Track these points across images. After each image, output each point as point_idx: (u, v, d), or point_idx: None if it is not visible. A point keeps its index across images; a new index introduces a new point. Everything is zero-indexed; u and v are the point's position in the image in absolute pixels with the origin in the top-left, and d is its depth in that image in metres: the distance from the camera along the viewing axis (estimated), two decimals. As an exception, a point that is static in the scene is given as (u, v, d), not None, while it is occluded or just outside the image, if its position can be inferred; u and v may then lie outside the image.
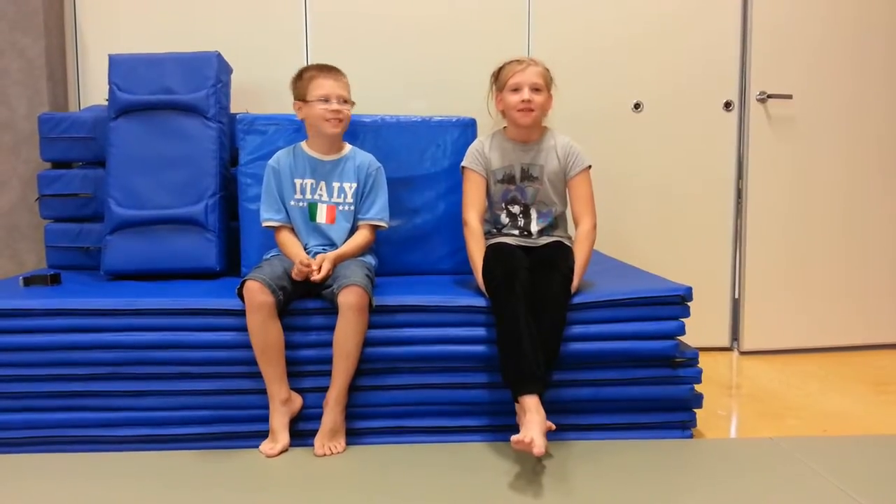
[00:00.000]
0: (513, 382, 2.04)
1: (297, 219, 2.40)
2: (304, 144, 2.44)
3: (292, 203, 2.39)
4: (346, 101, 2.37)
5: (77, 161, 2.87)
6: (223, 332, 2.18)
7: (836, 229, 3.30)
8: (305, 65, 2.47)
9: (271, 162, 2.42)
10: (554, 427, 2.01)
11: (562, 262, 2.20)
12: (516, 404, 2.04)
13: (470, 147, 2.45)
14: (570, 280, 2.18)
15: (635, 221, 3.27)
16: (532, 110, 2.31)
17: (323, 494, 1.89)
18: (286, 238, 2.37)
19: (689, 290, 2.24)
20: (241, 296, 2.12)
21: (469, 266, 2.34)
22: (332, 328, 2.12)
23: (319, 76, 2.36)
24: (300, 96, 2.38)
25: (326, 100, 2.33)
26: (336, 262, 2.25)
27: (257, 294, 2.08)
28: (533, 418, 1.94)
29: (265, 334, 2.10)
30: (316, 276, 2.17)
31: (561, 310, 2.13)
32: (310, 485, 1.95)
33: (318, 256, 2.23)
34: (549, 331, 2.10)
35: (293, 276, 2.18)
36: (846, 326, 3.34)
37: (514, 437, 1.89)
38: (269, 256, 2.36)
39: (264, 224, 2.40)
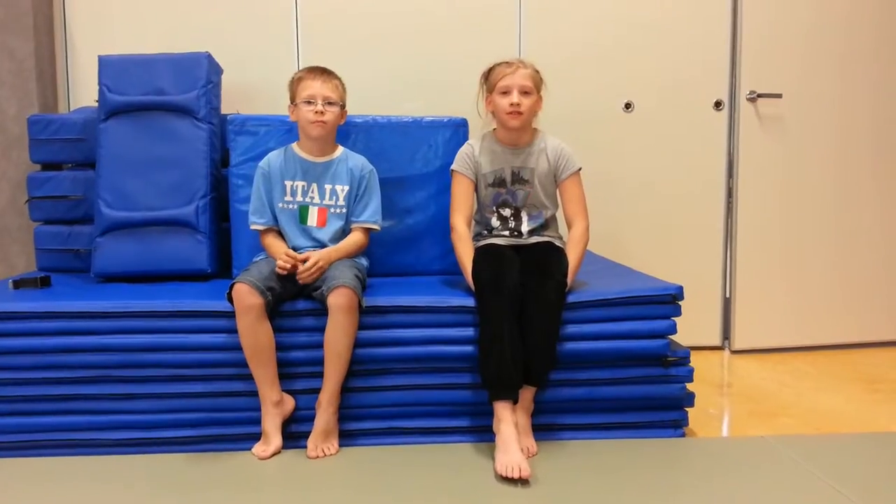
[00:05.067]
0: (489, 387, 2.06)
1: (286, 221, 2.39)
2: (295, 146, 2.43)
3: (281, 205, 2.38)
4: (332, 104, 2.35)
5: (67, 163, 2.85)
6: (215, 334, 2.17)
7: (826, 227, 3.31)
8: (300, 67, 2.46)
9: (262, 164, 2.41)
10: (535, 451, 2.08)
11: (555, 268, 2.19)
12: (493, 406, 2.07)
13: (460, 150, 2.44)
14: (565, 285, 2.18)
15: (626, 221, 3.27)
16: (521, 113, 2.30)
17: (316, 496, 1.89)
18: (271, 240, 2.37)
19: (681, 289, 2.24)
20: (230, 299, 2.12)
21: (459, 267, 2.34)
22: (322, 329, 2.12)
23: (307, 77, 2.35)
24: (292, 99, 2.38)
25: (311, 101, 2.32)
26: (330, 261, 2.25)
27: (246, 296, 2.07)
28: (508, 432, 1.98)
29: (255, 336, 2.09)
30: (305, 276, 2.17)
31: (555, 317, 2.14)
32: (303, 486, 1.94)
33: (311, 253, 2.23)
34: (544, 338, 2.11)
35: (277, 269, 2.18)
36: (838, 324, 3.35)
37: (496, 469, 1.93)
38: (258, 259, 2.35)
39: (251, 227, 2.40)
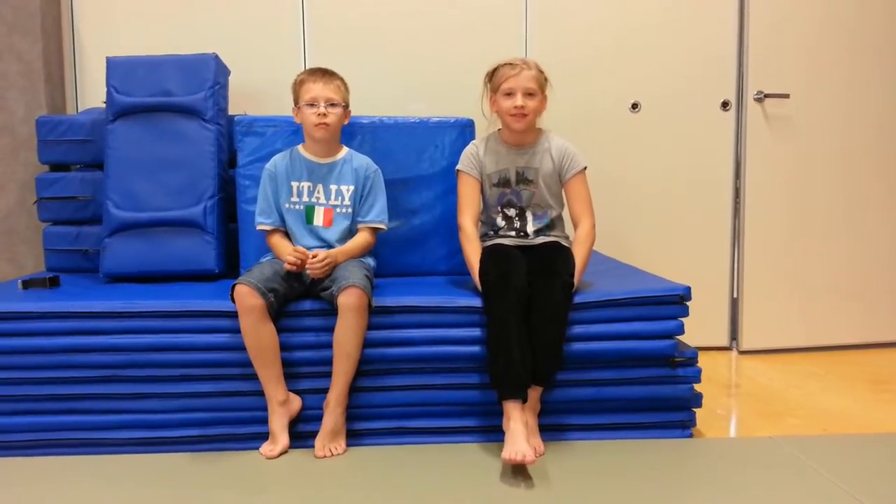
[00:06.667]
0: (498, 386, 2.07)
1: (293, 222, 2.39)
2: (300, 148, 2.44)
3: (288, 206, 2.39)
4: (334, 105, 2.35)
5: (75, 164, 2.87)
6: (223, 333, 2.18)
7: (833, 228, 3.30)
8: (304, 69, 2.47)
9: (268, 166, 2.43)
10: (542, 451, 2.09)
11: (562, 268, 2.19)
12: (502, 405, 2.07)
13: (464, 150, 2.44)
14: (571, 285, 2.17)
15: (634, 221, 3.27)
16: (525, 115, 2.31)
17: (323, 496, 1.89)
18: (276, 240, 2.37)
19: (688, 289, 2.24)
20: (233, 300, 2.13)
21: (467, 267, 2.34)
22: (329, 329, 2.12)
23: (308, 80, 2.36)
24: (295, 101, 2.39)
25: (314, 104, 2.33)
26: (338, 260, 2.25)
27: (247, 297, 2.08)
28: (516, 428, 1.99)
29: (258, 337, 2.10)
30: (316, 268, 2.17)
31: (563, 317, 2.13)
32: (310, 486, 1.95)
33: (319, 251, 2.24)
34: (551, 338, 2.11)
35: (286, 266, 2.18)
36: (845, 325, 3.34)
37: (503, 456, 1.94)
38: (263, 260, 2.36)
39: (257, 227, 2.41)
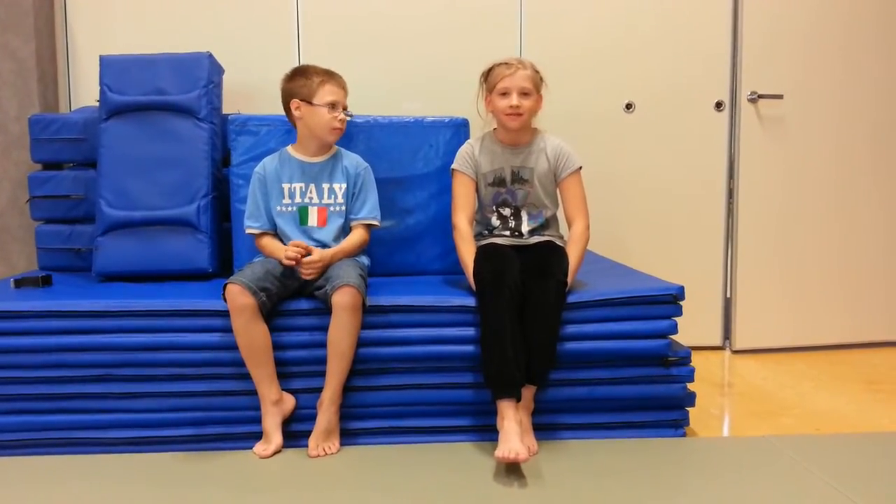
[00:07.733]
0: (492, 385, 2.07)
1: (286, 223, 2.38)
2: (290, 149, 2.43)
3: (280, 209, 2.38)
4: (345, 110, 2.38)
5: (68, 162, 2.86)
6: (216, 333, 2.17)
7: (827, 228, 3.32)
8: (301, 64, 2.45)
9: (257, 169, 2.42)
10: (536, 450, 2.09)
11: (556, 267, 2.19)
12: (496, 404, 2.07)
13: (460, 149, 2.45)
14: (565, 285, 2.18)
15: (627, 221, 3.27)
16: (520, 115, 2.31)
17: (317, 495, 1.89)
18: (267, 241, 2.36)
19: (682, 289, 2.25)
20: (225, 299, 2.12)
21: (461, 266, 2.34)
22: (323, 328, 2.12)
23: (330, 82, 2.35)
24: (306, 97, 2.33)
25: (334, 107, 2.33)
26: (332, 260, 2.25)
27: (238, 297, 2.08)
28: (510, 427, 1.99)
29: (250, 336, 2.10)
30: (307, 270, 2.18)
31: (556, 318, 2.14)
32: (304, 486, 1.94)
33: (315, 250, 2.24)
34: (544, 338, 2.11)
35: (284, 261, 2.18)
36: (838, 325, 3.36)
37: (496, 455, 1.94)
38: (256, 260, 2.35)
39: (246, 231, 2.40)
